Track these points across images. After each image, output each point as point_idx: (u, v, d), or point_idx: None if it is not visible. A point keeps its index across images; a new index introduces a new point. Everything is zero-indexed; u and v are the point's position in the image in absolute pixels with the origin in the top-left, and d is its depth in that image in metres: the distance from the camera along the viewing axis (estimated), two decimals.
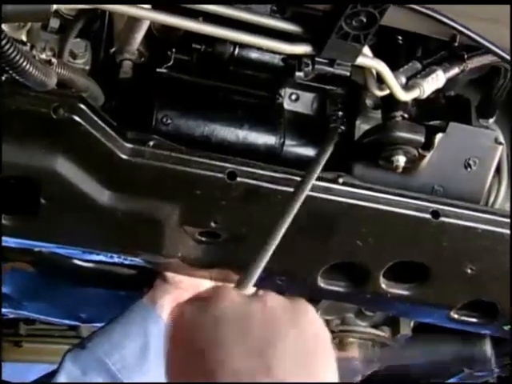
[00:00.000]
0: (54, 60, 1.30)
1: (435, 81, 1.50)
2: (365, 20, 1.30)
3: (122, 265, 1.78)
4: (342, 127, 1.59)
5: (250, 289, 1.14)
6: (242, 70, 1.55)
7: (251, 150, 1.53)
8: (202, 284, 1.68)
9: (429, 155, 1.55)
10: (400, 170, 1.52)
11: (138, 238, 1.49)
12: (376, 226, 1.51)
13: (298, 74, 1.39)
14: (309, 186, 1.39)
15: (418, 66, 1.52)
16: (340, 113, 1.62)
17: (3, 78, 1.27)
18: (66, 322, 2.30)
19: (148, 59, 1.57)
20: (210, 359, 0.95)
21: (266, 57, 1.52)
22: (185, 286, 1.68)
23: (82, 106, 1.34)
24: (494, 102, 1.65)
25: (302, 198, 1.35)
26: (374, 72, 1.46)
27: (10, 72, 1.18)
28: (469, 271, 1.58)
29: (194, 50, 1.52)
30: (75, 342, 2.48)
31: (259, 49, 1.48)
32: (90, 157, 1.38)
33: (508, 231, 1.54)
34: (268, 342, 0.96)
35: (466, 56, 1.52)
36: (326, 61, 1.39)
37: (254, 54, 1.52)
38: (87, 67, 1.50)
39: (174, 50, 1.53)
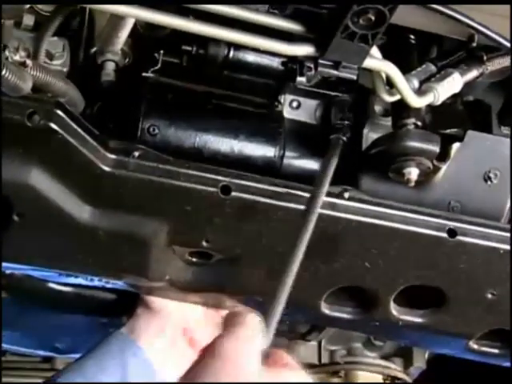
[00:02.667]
0: (28, 61, 1.31)
1: (451, 85, 1.51)
2: (373, 18, 1.32)
3: (104, 289, 1.79)
4: (346, 137, 1.59)
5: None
6: (237, 75, 1.57)
7: (248, 164, 1.55)
8: (190, 310, 1.69)
9: (444, 167, 1.57)
10: (412, 183, 1.53)
11: (122, 258, 1.50)
12: (386, 246, 1.52)
13: (299, 78, 1.40)
14: (319, 205, 1.40)
15: (433, 68, 1.54)
16: (346, 122, 1.63)
17: None
18: (41, 352, 2.30)
19: (133, 61, 1.59)
20: None
21: (264, 60, 1.54)
22: (170, 312, 1.69)
23: (60, 112, 1.35)
24: None
25: (314, 219, 1.37)
26: (384, 75, 1.47)
27: None
28: (489, 296, 1.59)
29: (184, 51, 1.54)
30: (49, 375, 2.48)
31: (256, 51, 1.50)
32: (68, 168, 1.39)
33: None
34: None
35: (485, 57, 1.54)
36: (330, 63, 1.40)
37: (250, 57, 1.54)
38: (65, 69, 1.52)
39: (161, 51, 1.55)
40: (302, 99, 1.68)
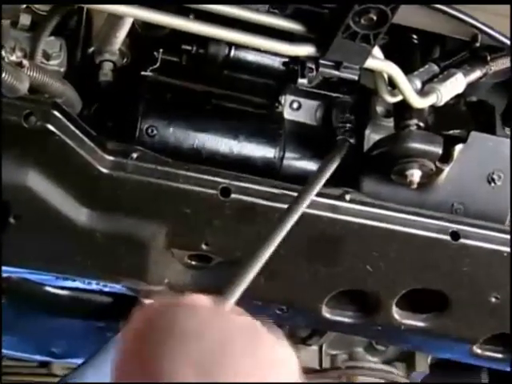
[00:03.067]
0: (25, 62, 1.32)
1: (454, 85, 1.52)
2: (375, 18, 1.32)
3: (102, 292, 1.80)
4: (352, 140, 1.60)
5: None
6: (237, 75, 1.58)
7: (247, 165, 1.55)
8: None
9: (447, 169, 1.57)
10: (415, 185, 1.53)
11: (120, 262, 1.50)
12: (388, 248, 1.53)
13: (300, 80, 1.41)
14: (307, 200, 1.40)
15: (435, 68, 1.54)
16: (348, 124, 1.63)
17: None
18: (37, 357, 2.31)
19: (131, 60, 1.59)
20: (156, 371, 0.99)
21: (265, 60, 1.54)
22: None
23: (57, 113, 1.36)
24: None
25: (297, 213, 1.36)
26: (386, 76, 1.48)
27: None
28: (493, 300, 1.59)
29: (184, 50, 1.54)
30: (46, 380, 2.49)
31: (257, 51, 1.50)
32: (65, 170, 1.40)
33: None
34: (218, 364, 1.00)
35: (489, 57, 1.54)
36: (331, 63, 1.41)
37: (251, 57, 1.54)
38: (62, 69, 1.52)
39: (161, 50, 1.55)
40: (302, 100, 1.68)
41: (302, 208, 1.39)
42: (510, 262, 1.54)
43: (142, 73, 1.57)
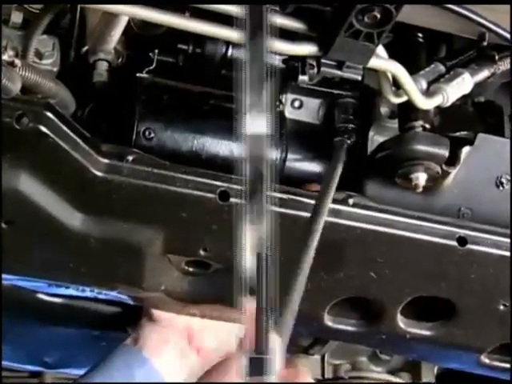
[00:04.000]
0: (17, 61, 1.32)
1: (461, 85, 1.52)
2: (379, 16, 1.32)
3: (96, 300, 1.80)
4: (350, 140, 1.60)
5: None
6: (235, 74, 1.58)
7: None
8: (193, 322, 1.70)
9: (454, 172, 1.58)
10: (420, 189, 1.54)
11: (115, 268, 1.51)
12: (392, 254, 1.53)
13: (301, 77, 1.41)
14: (326, 210, 1.41)
15: (441, 68, 1.55)
16: (351, 125, 1.63)
17: None
18: (28, 367, 2.31)
19: (127, 60, 1.60)
20: None
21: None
22: (172, 319, 1.70)
23: (50, 114, 1.36)
24: None
25: (321, 225, 1.37)
26: (390, 75, 1.48)
27: None
28: (501, 308, 1.60)
29: (181, 50, 1.54)
30: None
31: None
32: (58, 173, 1.40)
33: None
34: None
35: (496, 57, 1.55)
36: (333, 63, 1.41)
37: None
38: (55, 69, 1.53)
39: (156, 50, 1.56)
40: (304, 98, 1.68)
41: (324, 219, 1.39)
42: (510, 266, 1.54)
43: (138, 74, 1.57)
